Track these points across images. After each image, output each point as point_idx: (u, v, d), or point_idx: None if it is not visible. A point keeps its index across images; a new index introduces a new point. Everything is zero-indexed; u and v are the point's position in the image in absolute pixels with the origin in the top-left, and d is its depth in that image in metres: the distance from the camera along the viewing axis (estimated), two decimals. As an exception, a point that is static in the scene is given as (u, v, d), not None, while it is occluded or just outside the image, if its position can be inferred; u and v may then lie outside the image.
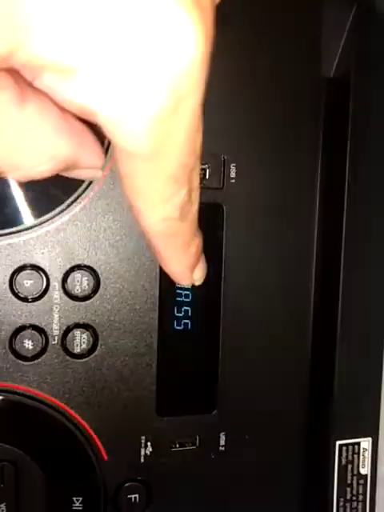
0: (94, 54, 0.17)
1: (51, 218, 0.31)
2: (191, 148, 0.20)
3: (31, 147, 0.20)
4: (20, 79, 0.18)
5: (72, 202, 0.31)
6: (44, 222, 0.30)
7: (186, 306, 0.33)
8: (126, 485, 0.33)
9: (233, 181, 0.33)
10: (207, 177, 0.33)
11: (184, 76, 0.17)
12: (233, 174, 0.33)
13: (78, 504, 0.32)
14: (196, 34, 0.17)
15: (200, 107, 0.19)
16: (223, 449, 0.34)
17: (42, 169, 0.20)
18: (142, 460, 0.33)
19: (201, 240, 0.26)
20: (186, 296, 0.33)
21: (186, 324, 0.33)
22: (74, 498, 0.32)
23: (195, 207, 0.24)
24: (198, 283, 0.28)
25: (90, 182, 0.31)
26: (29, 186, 0.30)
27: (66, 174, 0.23)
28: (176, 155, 0.20)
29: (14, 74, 0.18)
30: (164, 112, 0.18)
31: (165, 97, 0.17)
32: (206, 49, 0.18)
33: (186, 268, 0.26)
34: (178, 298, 0.33)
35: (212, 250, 0.33)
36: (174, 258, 0.25)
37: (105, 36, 0.16)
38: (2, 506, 0.31)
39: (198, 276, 0.27)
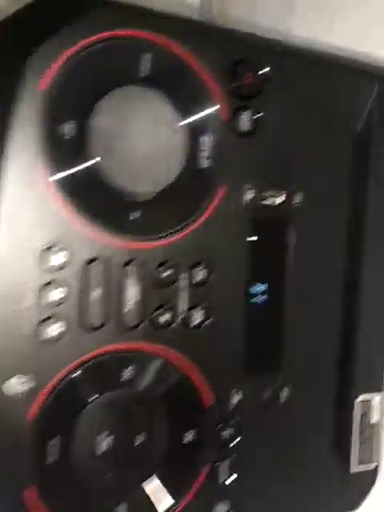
0: None
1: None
2: None
3: None
4: None
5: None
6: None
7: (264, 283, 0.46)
8: (222, 424, 0.45)
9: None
10: (276, 204, 0.46)
11: None
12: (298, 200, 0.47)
13: (189, 437, 0.44)
14: None
15: None
16: (285, 401, 0.47)
17: None
18: (234, 406, 0.45)
19: None
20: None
21: (264, 298, 0.46)
22: (187, 433, 0.44)
23: None
24: None
25: (208, 205, 0.44)
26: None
27: None
28: None
29: None
30: None
31: None
32: None
33: None
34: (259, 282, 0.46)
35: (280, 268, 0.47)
36: None
37: None
38: (139, 436, 0.43)
39: None
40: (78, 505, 0.41)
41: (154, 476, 0.43)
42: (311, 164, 0.47)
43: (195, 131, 0.43)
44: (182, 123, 0.42)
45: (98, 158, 0.40)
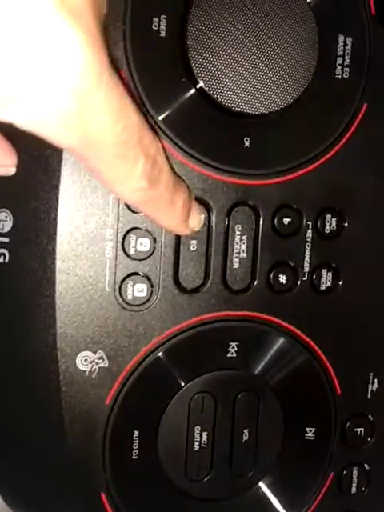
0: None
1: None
2: (120, 127, 0.22)
3: None
4: None
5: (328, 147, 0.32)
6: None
7: None
8: (354, 419, 0.34)
9: None
10: None
11: (80, 78, 0.20)
12: None
13: (310, 434, 0.34)
14: (77, 41, 0.20)
15: (113, 94, 0.22)
16: None
17: None
18: (369, 396, 0.34)
19: (187, 193, 0.28)
20: None
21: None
22: (307, 429, 0.34)
23: (165, 170, 0.26)
24: (197, 229, 0.30)
25: (346, 129, 0.32)
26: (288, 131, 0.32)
27: None
28: (107, 138, 0.22)
29: None
30: (73, 111, 0.21)
31: (69, 99, 0.20)
32: (94, 48, 0.20)
33: (178, 223, 0.28)
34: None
35: None
36: (161, 217, 0.27)
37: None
38: (246, 431, 0.33)
39: (193, 224, 0.29)
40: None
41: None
42: None
43: (332, 27, 0.31)
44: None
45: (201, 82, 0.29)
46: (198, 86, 0.29)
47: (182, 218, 0.28)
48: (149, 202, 0.26)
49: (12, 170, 0.28)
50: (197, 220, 0.29)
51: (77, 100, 0.21)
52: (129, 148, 0.23)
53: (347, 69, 0.32)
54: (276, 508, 0.34)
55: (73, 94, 0.20)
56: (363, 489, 0.35)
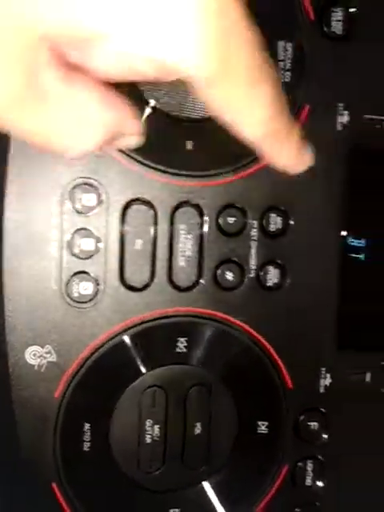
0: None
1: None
2: (252, 48, 0.22)
3: (85, 120, 0.23)
4: (67, 60, 0.21)
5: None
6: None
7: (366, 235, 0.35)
8: (307, 413, 0.35)
9: None
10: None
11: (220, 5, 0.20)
12: None
13: (263, 428, 0.35)
14: None
15: (241, 14, 0.21)
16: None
17: (95, 140, 0.23)
18: (322, 390, 0.35)
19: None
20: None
21: (366, 262, 0.35)
22: (260, 423, 0.35)
23: (284, 100, 0.25)
24: (311, 164, 0.29)
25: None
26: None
27: (110, 145, 0.26)
28: (243, 60, 0.22)
29: (62, 55, 0.21)
30: (209, 32, 0.20)
31: (204, 19, 0.20)
32: None
33: (298, 154, 0.27)
34: (356, 242, 0.35)
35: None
36: (284, 150, 0.27)
37: None
38: (198, 424, 0.34)
39: (308, 157, 0.28)
40: (116, 505, 0.33)
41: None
42: None
43: (271, 34, 0.32)
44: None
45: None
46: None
47: (300, 148, 0.27)
48: (273, 135, 0.26)
49: (140, 140, 0.27)
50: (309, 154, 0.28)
51: (211, 16, 0.20)
52: (258, 72, 0.23)
53: (288, 73, 0.33)
54: (226, 501, 0.34)
55: (205, 12, 0.20)
56: (318, 481, 0.35)
